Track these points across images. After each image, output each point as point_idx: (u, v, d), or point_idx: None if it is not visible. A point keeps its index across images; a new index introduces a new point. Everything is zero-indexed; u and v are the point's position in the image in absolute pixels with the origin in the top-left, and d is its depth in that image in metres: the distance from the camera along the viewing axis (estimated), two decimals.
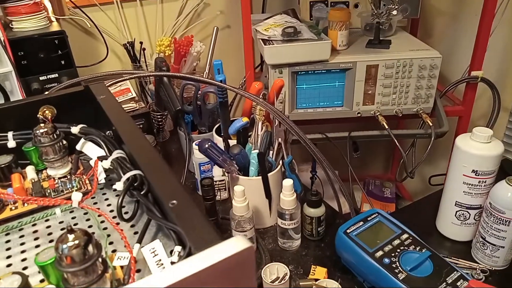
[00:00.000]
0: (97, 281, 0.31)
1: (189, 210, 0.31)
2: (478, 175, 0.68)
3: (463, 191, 0.71)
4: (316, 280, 0.64)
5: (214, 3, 1.34)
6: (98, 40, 1.24)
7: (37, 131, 0.47)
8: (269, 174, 0.75)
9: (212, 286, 0.26)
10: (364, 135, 1.08)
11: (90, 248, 0.31)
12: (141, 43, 1.22)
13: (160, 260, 0.33)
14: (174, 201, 0.31)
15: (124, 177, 0.43)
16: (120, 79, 0.74)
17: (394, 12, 1.05)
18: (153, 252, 0.34)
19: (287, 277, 0.63)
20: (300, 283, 0.63)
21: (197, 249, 0.25)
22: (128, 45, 1.20)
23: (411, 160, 1.21)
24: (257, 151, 0.75)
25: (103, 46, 1.23)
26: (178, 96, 0.92)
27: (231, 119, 0.89)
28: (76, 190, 0.47)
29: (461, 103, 1.18)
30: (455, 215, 0.74)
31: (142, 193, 0.42)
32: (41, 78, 0.86)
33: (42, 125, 0.48)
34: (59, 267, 0.30)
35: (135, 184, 0.43)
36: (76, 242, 0.30)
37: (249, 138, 0.82)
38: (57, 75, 0.87)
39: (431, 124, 1.02)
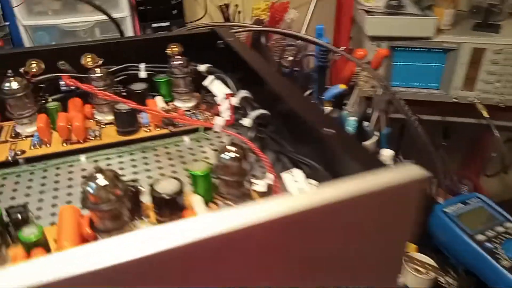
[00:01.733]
0: (242, 196, 0.33)
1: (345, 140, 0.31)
2: None
3: None
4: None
5: None
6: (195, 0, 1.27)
7: (174, 63, 0.50)
8: (364, 143, 0.74)
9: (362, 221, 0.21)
10: (459, 122, 1.03)
11: (245, 164, 0.32)
12: (236, 6, 1.24)
13: (302, 189, 0.34)
14: (333, 130, 0.32)
15: (253, 114, 0.45)
16: (243, 29, 0.76)
17: None
18: (294, 178, 0.35)
19: None
20: None
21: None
22: (224, 6, 1.22)
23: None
24: (355, 118, 0.74)
25: (199, 6, 1.26)
26: (276, 58, 0.93)
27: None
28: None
29: None
30: None
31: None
32: (153, 25, 0.91)
33: (178, 57, 0.50)
34: (216, 173, 0.32)
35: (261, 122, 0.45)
36: (236, 155, 0.32)
37: (343, 106, 0.81)
38: (168, 23, 0.91)
39: None
